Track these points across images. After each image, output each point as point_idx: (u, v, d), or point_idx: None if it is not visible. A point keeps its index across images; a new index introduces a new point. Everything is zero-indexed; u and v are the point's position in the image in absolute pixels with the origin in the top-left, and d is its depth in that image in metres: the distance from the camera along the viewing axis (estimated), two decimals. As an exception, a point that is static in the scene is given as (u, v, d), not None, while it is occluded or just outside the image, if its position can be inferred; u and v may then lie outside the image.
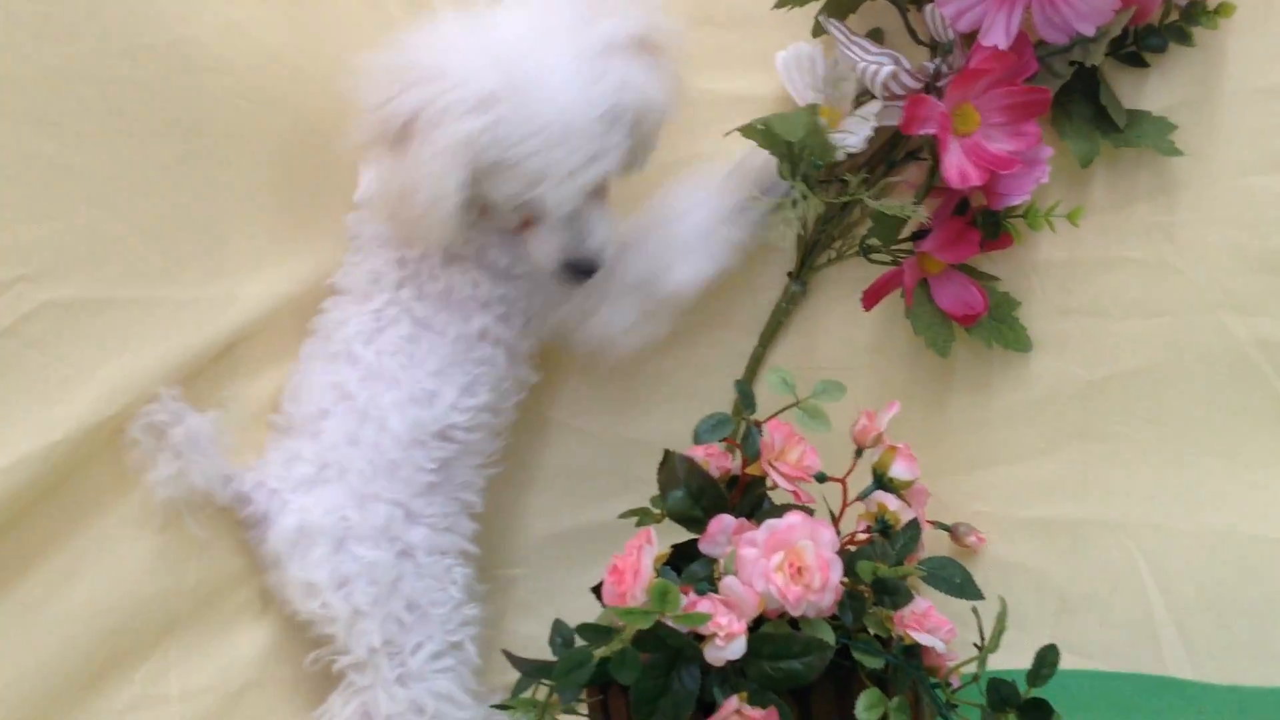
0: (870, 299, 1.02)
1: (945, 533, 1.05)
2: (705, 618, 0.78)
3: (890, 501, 0.94)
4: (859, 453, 0.91)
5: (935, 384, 1.07)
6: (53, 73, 0.81)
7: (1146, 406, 1.03)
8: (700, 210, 0.98)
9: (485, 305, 0.94)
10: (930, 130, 0.94)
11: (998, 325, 1.03)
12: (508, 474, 1.05)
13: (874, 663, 0.85)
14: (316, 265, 0.98)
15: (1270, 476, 1.01)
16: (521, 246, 0.93)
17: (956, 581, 0.92)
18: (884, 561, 0.86)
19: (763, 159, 0.97)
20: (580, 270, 0.90)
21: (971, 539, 1.05)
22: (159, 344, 0.87)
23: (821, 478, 0.89)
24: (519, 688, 0.89)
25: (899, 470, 0.91)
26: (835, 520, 0.89)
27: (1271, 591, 1.00)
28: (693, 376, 1.08)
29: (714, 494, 0.92)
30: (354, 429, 0.92)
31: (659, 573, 0.82)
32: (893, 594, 0.85)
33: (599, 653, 0.78)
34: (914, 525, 0.93)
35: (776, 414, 0.90)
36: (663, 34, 0.88)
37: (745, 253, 1.06)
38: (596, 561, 0.94)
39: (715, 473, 0.94)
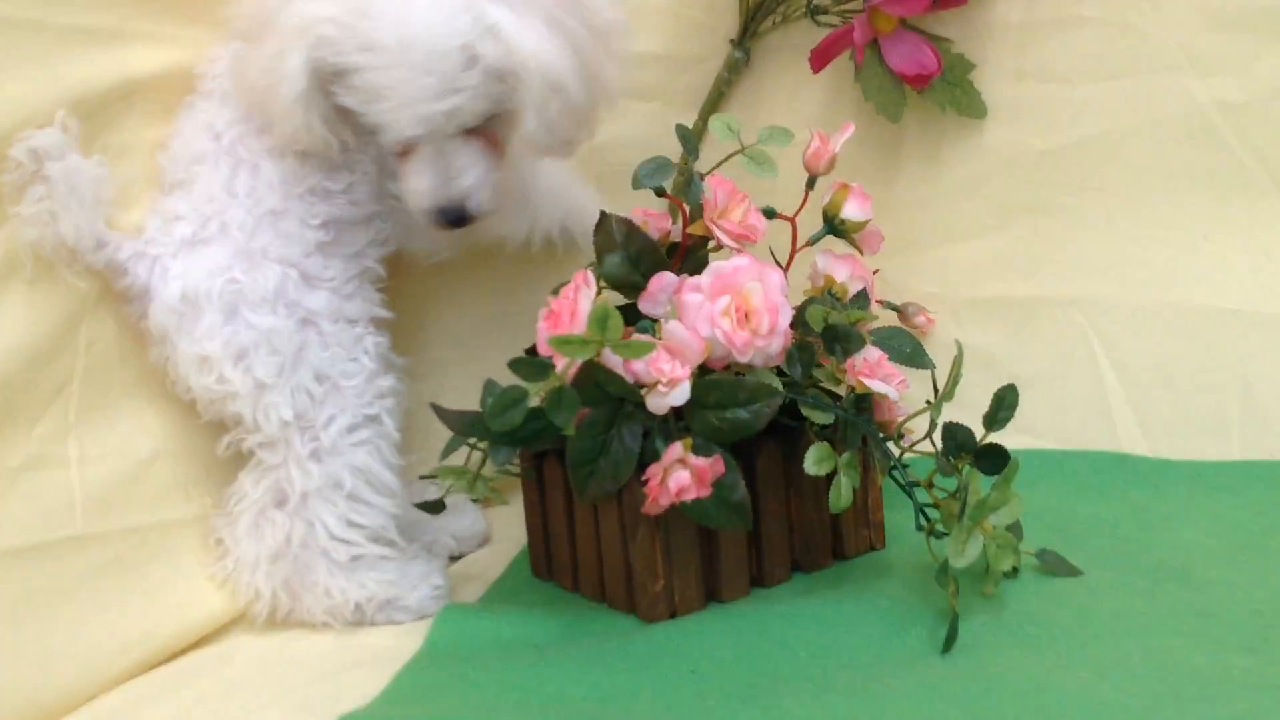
0: (818, 59, 0.97)
1: (894, 312, 1.00)
2: (648, 347, 0.73)
3: (838, 271, 0.90)
4: (810, 184, 0.86)
5: (884, 157, 1.02)
6: None
7: (1101, 176, 0.99)
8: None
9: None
10: None
11: (951, 89, 0.98)
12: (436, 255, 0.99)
13: (823, 418, 0.81)
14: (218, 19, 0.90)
15: (1229, 247, 0.98)
16: None
17: (906, 350, 0.88)
18: (834, 310, 0.81)
19: None
20: (447, 216, 0.82)
21: (920, 319, 1.01)
22: (45, 69, 0.80)
23: (770, 213, 0.84)
24: (448, 450, 0.84)
25: (851, 210, 0.86)
26: (785, 267, 0.84)
27: (1227, 364, 0.97)
28: (631, 153, 0.99)
29: (654, 257, 0.87)
30: (227, 176, 0.84)
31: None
32: (844, 341, 0.81)
33: (533, 389, 0.73)
34: (862, 296, 0.89)
35: (719, 165, 0.85)
36: (586, 6, 0.80)
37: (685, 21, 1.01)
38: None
39: (655, 235, 0.89)
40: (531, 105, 0.79)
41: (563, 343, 0.72)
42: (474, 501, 0.96)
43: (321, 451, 0.85)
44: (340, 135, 0.82)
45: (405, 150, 0.82)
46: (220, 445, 0.87)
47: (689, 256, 0.89)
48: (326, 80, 0.79)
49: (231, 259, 0.83)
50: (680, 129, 0.86)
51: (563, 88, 0.79)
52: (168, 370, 0.85)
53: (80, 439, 0.82)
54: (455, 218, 0.83)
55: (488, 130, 0.82)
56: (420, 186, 0.82)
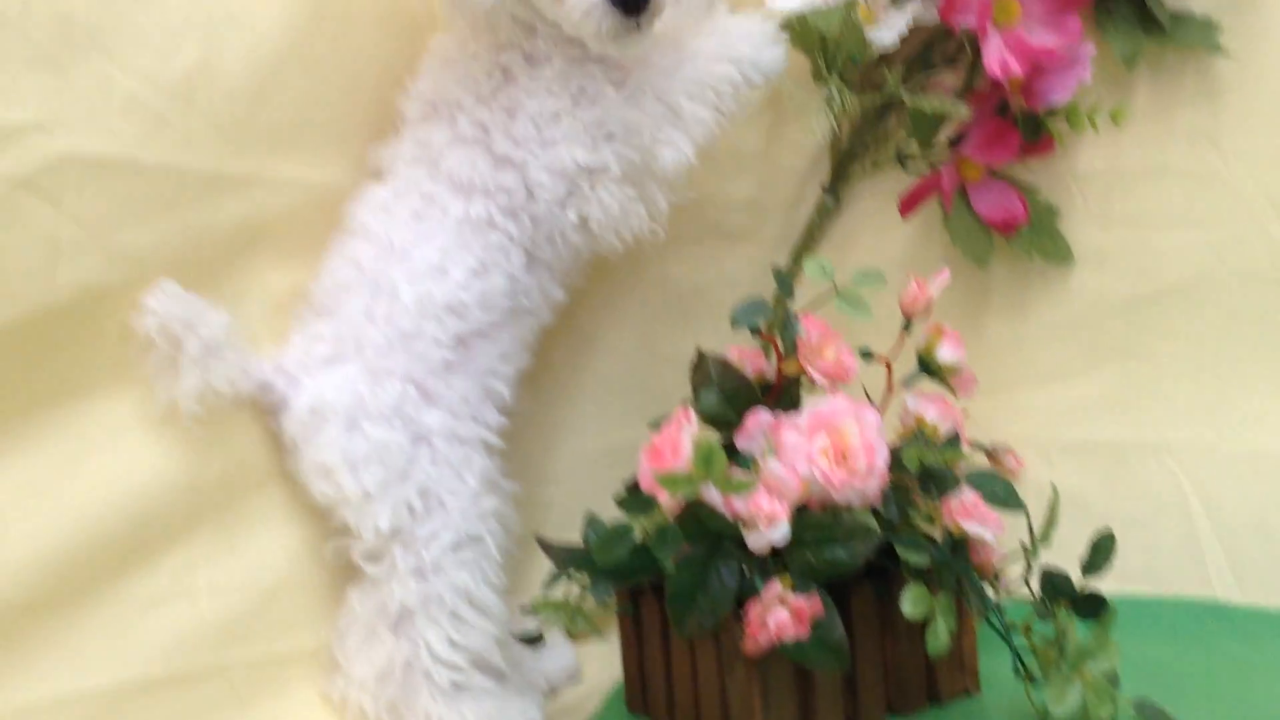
0: (907, 205, 0.99)
1: (983, 453, 1.01)
2: (751, 483, 0.74)
3: (929, 411, 0.91)
4: (906, 327, 0.88)
5: (972, 300, 1.04)
6: None
7: (1190, 323, 1.00)
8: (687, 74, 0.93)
9: (486, 192, 0.90)
10: (969, 21, 0.91)
11: (1038, 236, 1.00)
12: (541, 387, 1.02)
13: (918, 559, 0.81)
14: (354, 160, 0.94)
15: (1324, 393, 0.98)
16: (523, 127, 0.90)
17: (999, 493, 0.88)
18: (930, 451, 0.82)
19: None
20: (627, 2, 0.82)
21: (1011, 461, 1.01)
22: (177, 216, 0.83)
23: (866, 354, 0.86)
24: (549, 583, 0.85)
25: (945, 353, 0.87)
26: (880, 408, 0.85)
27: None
28: (726, 293, 1.04)
29: (748, 395, 0.89)
30: (368, 302, 0.89)
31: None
32: (940, 483, 0.82)
33: (639, 525, 0.74)
34: (953, 439, 0.90)
35: (814, 304, 0.87)
36: None
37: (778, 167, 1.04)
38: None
39: (749, 373, 0.90)
40: None
41: (669, 480, 0.74)
42: (568, 636, 0.97)
43: (424, 569, 0.86)
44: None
45: None
46: (327, 549, 0.89)
47: (782, 394, 0.90)
48: None
49: (360, 375, 0.87)
50: (777, 271, 0.89)
51: None
52: (297, 479, 0.88)
53: (209, 571, 0.84)
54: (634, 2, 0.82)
55: None
56: None
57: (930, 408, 0.91)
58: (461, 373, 0.89)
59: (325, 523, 0.90)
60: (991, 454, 1.01)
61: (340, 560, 0.88)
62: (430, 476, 0.87)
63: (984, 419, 1.02)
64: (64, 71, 0.77)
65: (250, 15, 0.86)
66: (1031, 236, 1.00)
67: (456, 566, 0.86)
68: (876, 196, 1.04)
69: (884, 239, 1.04)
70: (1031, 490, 0.98)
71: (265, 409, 0.88)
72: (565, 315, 1.01)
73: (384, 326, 0.88)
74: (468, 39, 0.90)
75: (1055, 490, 0.82)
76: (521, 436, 1.00)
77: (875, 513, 0.82)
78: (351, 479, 0.85)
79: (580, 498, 1.02)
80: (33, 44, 0.76)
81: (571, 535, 0.93)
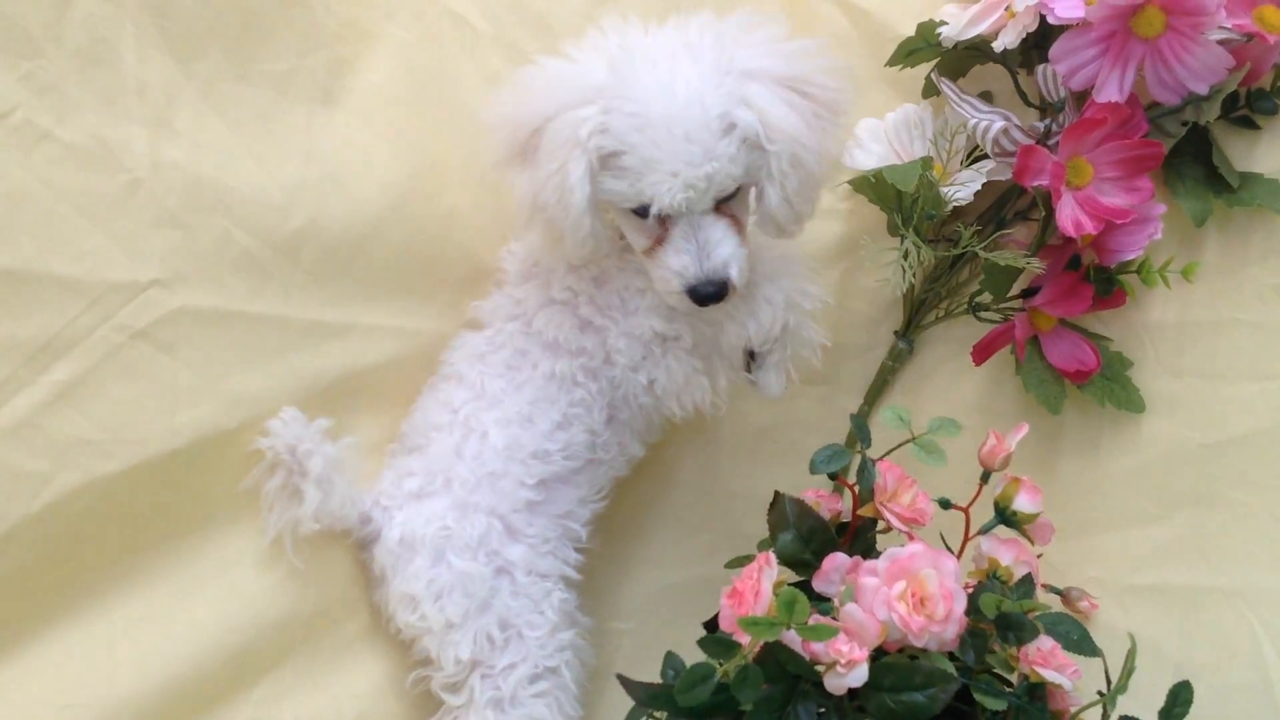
0: (980, 354, 1.03)
1: (1056, 596, 1.02)
2: (833, 631, 0.77)
3: (1003, 555, 0.93)
4: (984, 478, 0.90)
5: (1045, 446, 1.06)
6: (172, 82, 0.84)
7: (1262, 471, 1.01)
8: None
9: (571, 352, 0.95)
10: (1042, 181, 0.95)
11: (1110, 384, 1.02)
12: (615, 523, 1.05)
13: (996, 704, 0.83)
14: (443, 309, 1.00)
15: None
16: (609, 295, 0.95)
17: (1074, 638, 0.90)
18: (1007, 597, 0.84)
19: None
20: (706, 290, 0.88)
21: (1084, 604, 1.02)
22: (284, 361, 0.89)
23: (945, 503, 0.88)
24: (629, 719, 0.88)
25: (1023, 503, 0.90)
26: (957, 554, 0.87)
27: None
28: (799, 434, 1.08)
29: (824, 536, 0.92)
30: (459, 441, 0.94)
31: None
32: (1017, 629, 0.83)
33: (722, 668, 0.77)
34: (1028, 581, 0.92)
35: (890, 452, 0.90)
36: (816, 84, 0.87)
37: (852, 313, 1.08)
38: (704, 616, 0.94)
39: (825, 515, 0.93)
40: (776, 175, 0.86)
41: (752, 624, 0.77)
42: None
43: (502, 700, 0.90)
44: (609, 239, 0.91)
45: (658, 239, 0.88)
46: (409, 680, 0.92)
47: (858, 537, 0.93)
48: (595, 174, 0.86)
49: (448, 509, 0.92)
50: (854, 418, 0.92)
51: (803, 159, 0.86)
52: (383, 610, 0.92)
53: (294, 703, 0.88)
54: (714, 290, 0.87)
55: (731, 207, 0.89)
56: (678, 264, 0.88)
57: (1005, 551, 0.93)
58: (543, 513, 0.94)
59: (407, 655, 0.94)
60: (1065, 596, 1.03)
61: (420, 691, 0.91)
62: (510, 609, 0.91)
63: (1058, 562, 1.03)
64: (189, 230, 0.83)
65: (355, 177, 0.93)
66: (1104, 385, 1.03)
67: (533, 699, 0.89)
68: (950, 343, 1.07)
69: (957, 385, 1.07)
70: (1105, 633, 0.99)
71: (360, 540, 0.92)
72: (640, 457, 1.05)
73: (473, 465, 0.93)
74: None
75: (1133, 639, 0.84)
76: (595, 571, 1.04)
77: (952, 657, 0.84)
78: (435, 608, 0.89)
79: (652, 633, 1.06)
80: (160, 204, 0.82)
81: (643, 669, 0.95)
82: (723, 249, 0.87)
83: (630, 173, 0.85)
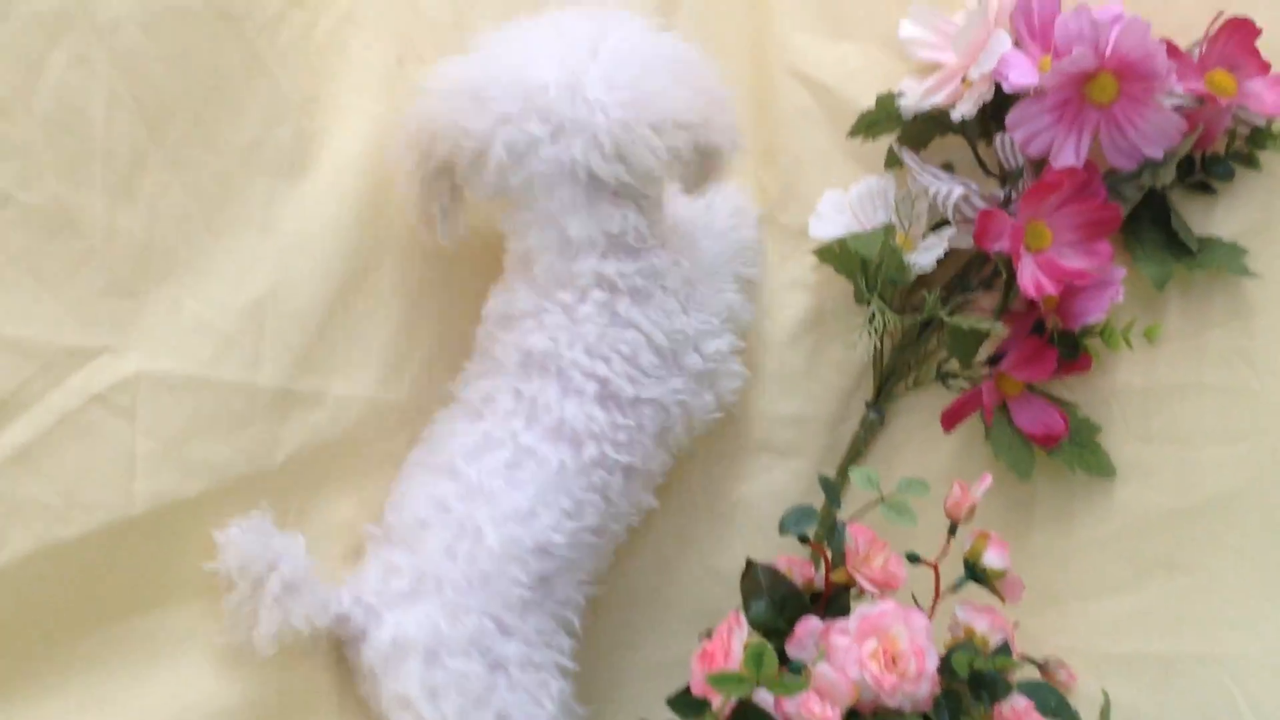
0: (949, 420, 1.03)
1: (1034, 667, 1.01)
2: (801, 685, 0.76)
3: (978, 622, 0.92)
4: (952, 531, 0.90)
5: (1016, 514, 1.05)
6: (139, 150, 0.84)
7: (1234, 535, 1.01)
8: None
9: (598, 436, 0.93)
10: (1003, 246, 0.96)
11: (1079, 450, 1.03)
12: (594, 601, 1.04)
13: (972, 766, 0.82)
14: (418, 376, 0.99)
15: (1367, 605, 0.98)
16: (647, 358, 0.95)
17: (1051, 704, 0.89)
18: (980, 657, 0.84)
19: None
20: None
21: (1062, 674, 1.01)
22: (250, 429, 0.88)
23: (913, 558, 0.88)
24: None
25: (992, 558, 0.89)
26: (929, 612, 0.87)
27: (1383, 724, 0.96)
28: (773, 507, 1.06)
29: (798, 603, 0.91)
30: (451, 542, 0.91)
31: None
32: (990, 688, 0.83)
33: (690, 727, 0.76)
34: (1004, 648, 0.91)
35: (860, 513, 0.90)
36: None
37: (823, 385, 1.08)
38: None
39: (798, 581, 0.92)
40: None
41: (720, 680, 0.76)
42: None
43: None
44: None
45: None
46: None
47: (832, 603, 0.92)
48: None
49: (439, 611, 0.90)
50: (823, 479, 0.92)
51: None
52: (371, 704, 0.90)
53: None
54: None
55: None
56: None
57: (981, 619, 0.92)
58: (539, 608, 0.92)
59: None
60: (1044, 667, 1.02)
61: None
62: (508, 703, 0.90)
63: (1032, 632, 1.02)
64: (140, 297, 0.83)
65: (319, 247, 0.93)
66: (1073, 450, 1.03)
67: None
68: (920, 411, 1.07)
69: (928, 452, 1.07)
70: (1083, 702, 0.98)
71: (341, 639, 0.90)
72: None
73: (465, 566, 0.91)
74: (539, 286, 0.95)
75: (1107, 698, 0.83)
76: (577, 652, 1.02)
77: (926, 718, 0.83)
78: (431, 708, 0.88)
79: (634, 712, 1.03)
80: (113, 271, 0.82)
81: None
82: None
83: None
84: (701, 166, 0.93)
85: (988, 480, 0.91)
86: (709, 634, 0.89)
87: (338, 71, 0.96)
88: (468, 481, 0.93)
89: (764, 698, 0.79)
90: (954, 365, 1.03)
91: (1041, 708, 0.88)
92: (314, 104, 0.94)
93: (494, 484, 0.92)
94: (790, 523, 0.88)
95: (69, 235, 0.81)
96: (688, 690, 0.86)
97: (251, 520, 0.87)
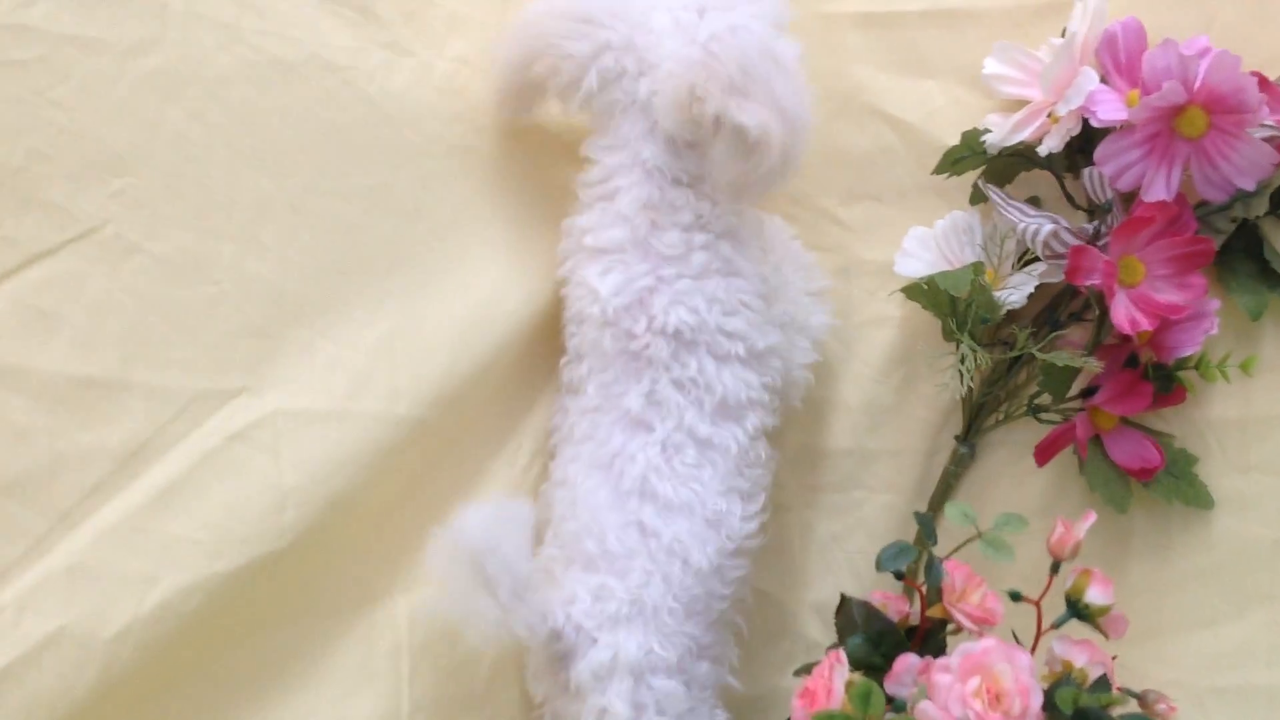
0: (1043, 454, 1.03)
1: (1134, 700, 1.01)
2: (908, 722, 0.76)
3: (1077, 657, 0.92)
4: (1054, 569, 0.90)
5: (1114, 546, 1.05)
6: (264, 198, 0.88)
7: (1338, 567, 1.01)
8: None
9: (755, 402, 0.97)
10: (1094, 281, 0.96)
11: (1176, 481, 1.02)
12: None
13: (1078, 803, 0.81)
14: (549, 397, 1.03)
15: None
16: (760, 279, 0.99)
17: (1152, 739, 0.89)
18: (1084, 693, 0.83)
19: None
20: None
21: (1161, 706, 1.00)
22: (394, 458, 0.91)
23: (1015, 596, 0.88)
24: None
25: (1095, 595, 0.89)
26: (1030, 649, 0.87)
27: None
28: (867, 542, 1.08)
29: (894, 639, 0.91)
30: (663, 567, 0.94)
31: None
32: (1095, 725, 0.82)
33: (797, 767, 0.76)
34: (1103, 681, 0.91)
35: (956, 550, 0.90)
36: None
37: (913, 420, 1.09)
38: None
39: (894, 617, 0.93)
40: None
41: (827, 719, 0.76)
42: None
43: None
44: None
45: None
46: None
47: (928, 639, 0.92)
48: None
49: (654, 636, 0.93)
50: (919, 515, 0.92)
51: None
52: (557, 713, 0.95)
53: None
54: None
55: None
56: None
57: (1078, 653, 0.92)
58: (723, 618, 0.97)
59: None
60: (1143, 699, 1.01)
61: None
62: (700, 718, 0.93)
63: (1132, 665, 1.01)
64: (273, 339, 0.86)
65: (440, 284, 0.96)
66: (1170, 482, 1.02)
67: None
68: (1011, 446, 1.07)
69: (1021, 487, 1.07)
70: (1186, 738, 0.98)
71: (549, 654, 0.93)
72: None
73: (678, 592, 0.94)
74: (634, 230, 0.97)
75: (1213, 733, 0.83)
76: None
77: (1030, 756, 0.83)
78: None
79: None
80: (244, 315, 0.85)
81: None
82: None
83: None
84: (742, 158, 0.92)
85: (1092, 517, 0.91)
86: (807, 670, 0.90)
87: (459, 113, 0.99)
88: (663, 499, 0.94)
89: (868, 736, 0.79)
90: (1046, 399, 1.03)
91: (1143, 742, 0.87)
92: (435, 144, 0.97)
93: (687, 493, 0.95)
94: (887, 559, 0.89)
95: (198, 282, 0.84)
96: (788, 729, 0.87)
97: (489, 508, 0.89)
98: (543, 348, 1.02)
